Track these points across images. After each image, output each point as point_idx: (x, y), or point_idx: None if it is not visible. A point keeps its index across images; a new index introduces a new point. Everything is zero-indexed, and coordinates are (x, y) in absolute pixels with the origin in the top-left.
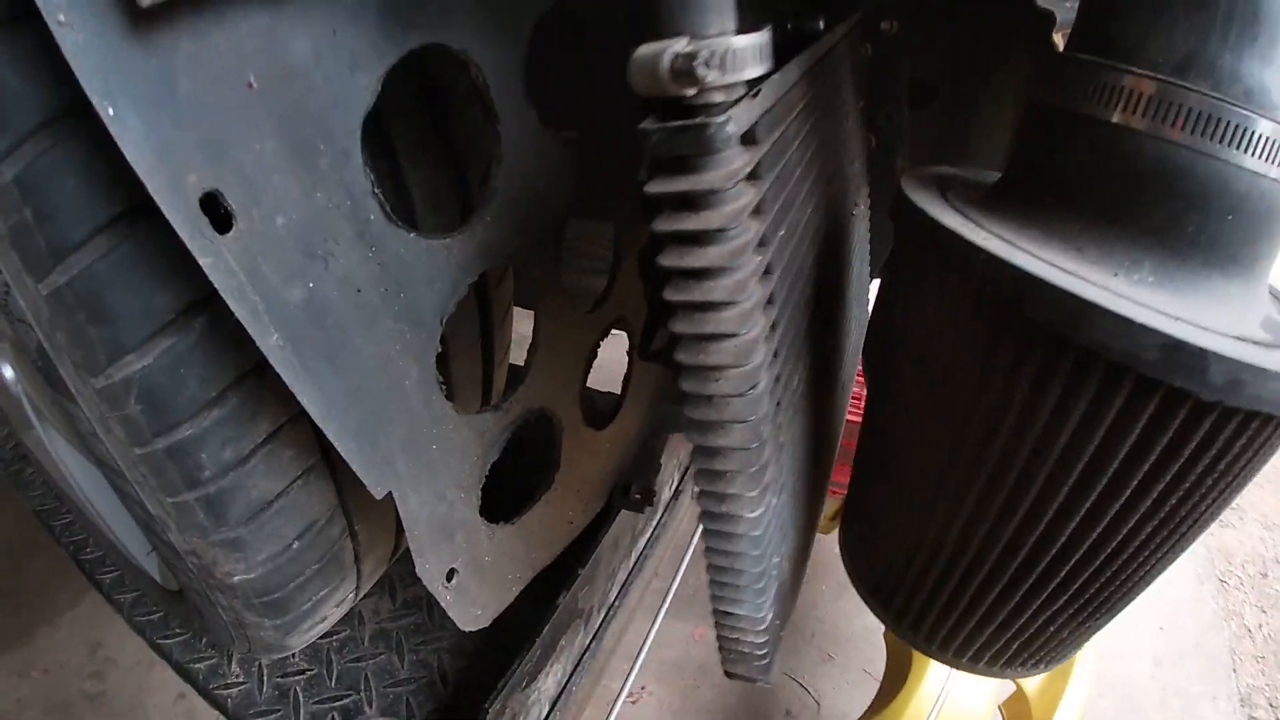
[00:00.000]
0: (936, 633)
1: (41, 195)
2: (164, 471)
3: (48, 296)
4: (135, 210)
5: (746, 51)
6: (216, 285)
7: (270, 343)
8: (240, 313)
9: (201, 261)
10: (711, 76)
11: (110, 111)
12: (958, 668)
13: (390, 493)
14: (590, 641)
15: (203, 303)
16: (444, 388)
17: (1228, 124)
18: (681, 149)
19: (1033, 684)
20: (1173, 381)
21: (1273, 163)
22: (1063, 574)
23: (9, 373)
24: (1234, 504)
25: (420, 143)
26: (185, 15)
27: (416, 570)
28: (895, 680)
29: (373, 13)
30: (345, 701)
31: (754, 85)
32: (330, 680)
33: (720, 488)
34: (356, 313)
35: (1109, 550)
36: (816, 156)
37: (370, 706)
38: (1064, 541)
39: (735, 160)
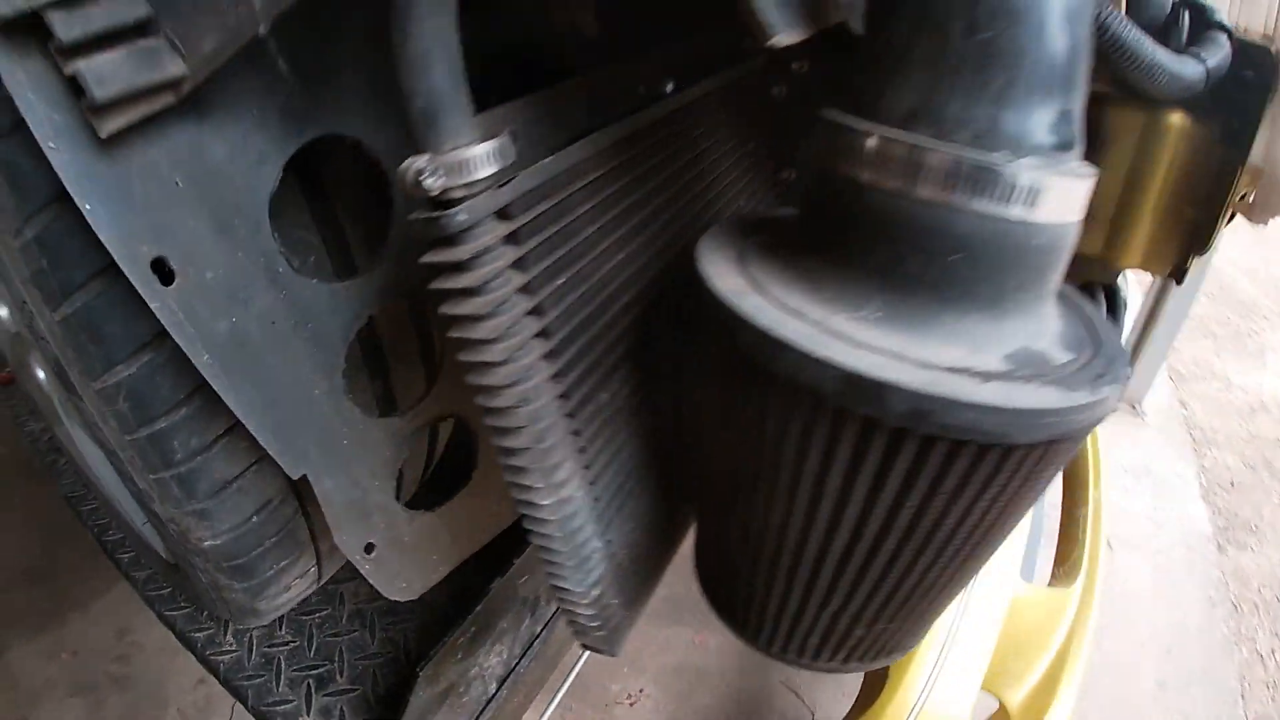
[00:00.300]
0: (770, 637)
1: (53, 250)
2: (146, 454)
3: (59, 321)
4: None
5: (478, 159)
6: (163, 322)
7: (202, 361)
8: (180, 340)
9: (151, 305)
10: (438, 185)
11: (86, 207)
12: (794, 665)
13: (311, 476)
14: (541, 630)
15: (160, 334)
16: (383, 389)
17: (946, 170)
18: (429, 234)
19: (1016, 701)
20: (856, 410)
21: (1004, 203)
22: (844, 583)
23: (42, 375)
24: (1252, 526)
25: (352, 196)
26: (133, 137)
27: (335, 540)
28: (871, 691)
29: (275, 116)
30: (320, 670)
31: (509, 174)
32: (310, 651)
33: (517, 479)
34: (271, 339)
35: (873, 563)
36: (640, 208)
37: (341, 676)
38: (837, 555)
39: (485, 235)
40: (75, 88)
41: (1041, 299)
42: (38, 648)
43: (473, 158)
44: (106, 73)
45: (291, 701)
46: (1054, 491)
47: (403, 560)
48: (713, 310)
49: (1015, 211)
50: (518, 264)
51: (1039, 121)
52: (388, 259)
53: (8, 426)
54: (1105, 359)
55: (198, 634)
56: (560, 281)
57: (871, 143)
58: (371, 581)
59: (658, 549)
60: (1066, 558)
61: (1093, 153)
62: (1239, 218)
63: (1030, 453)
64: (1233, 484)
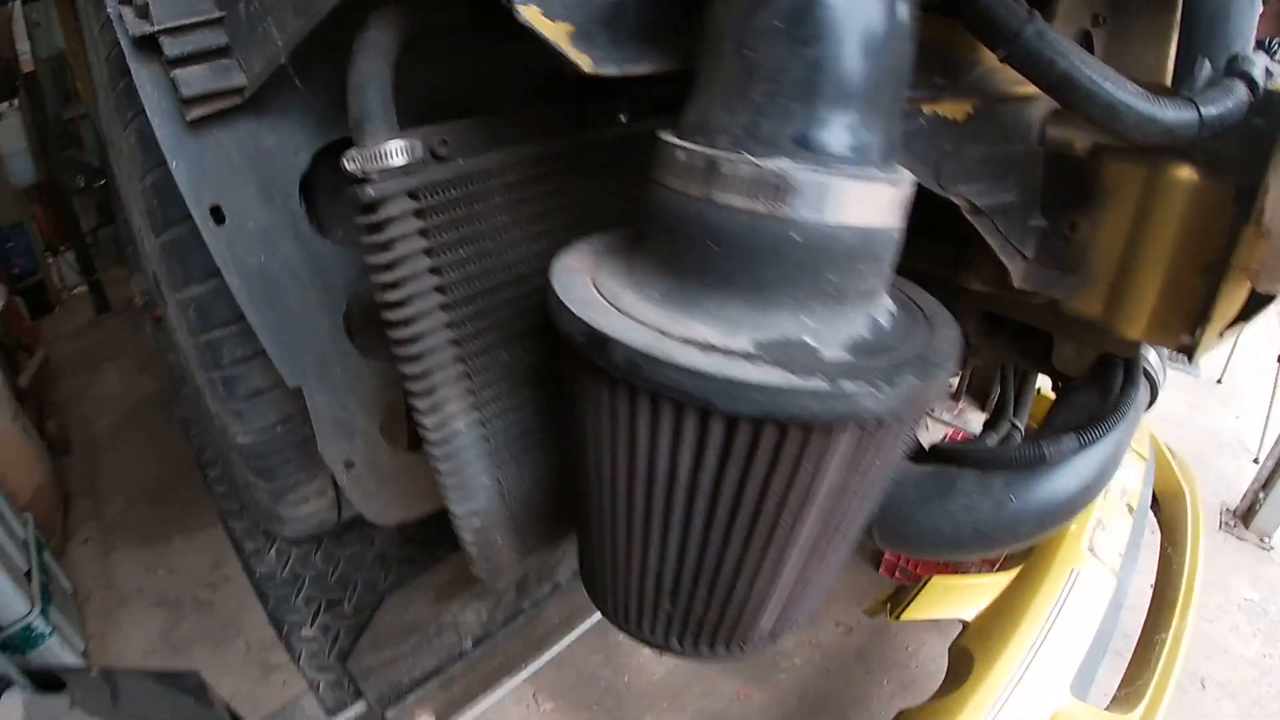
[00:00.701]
0: (639, 623)
1: (160, 194)
2: (204, 356)
3: (159, 245)
4: None
5: (389, 151)
6: (212, 252)
7: (235, 285)
8: (221, 267)
9: (206, 238)
10: (355, 168)
11: (173, 165)
12: (665, 650)
13: (303, 388)
14: (526, 604)
15: None
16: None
17: (708, 167)
18: (354, 200)
19: None
20: (592, 357)
21: (747, 195)
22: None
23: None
24: None
25: None
26: (209, 123)
27: (319, 450)
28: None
29: (310, 120)
30: (333, 597)
31: (426, 166)
32: (330, 579)
33: (411, 401)
34: (289, 278)
35: (652, 521)
36: (560, 213)
37: (349, 604)
38: (625, 506)
39: (393, 208)
40: (175, 86)
41: (825, 297)
42: (140, 559)
43: (384, 150)
44: (194, 79)
45: (301, 615)
46: (1136, 613)
47: (380, 485)
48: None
49: (761, 205)
50: (424, 233)
51: (801, 124)
52: None
53: (160, 363)
54: (887, 369)
55: (249, 544)
56: (463, 253)
57: (662, 148)
58: (349, 496)
59: (561, 511)
60: (1132, 682)
61: (1091, 206)
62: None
63: (762, 431)
64: None
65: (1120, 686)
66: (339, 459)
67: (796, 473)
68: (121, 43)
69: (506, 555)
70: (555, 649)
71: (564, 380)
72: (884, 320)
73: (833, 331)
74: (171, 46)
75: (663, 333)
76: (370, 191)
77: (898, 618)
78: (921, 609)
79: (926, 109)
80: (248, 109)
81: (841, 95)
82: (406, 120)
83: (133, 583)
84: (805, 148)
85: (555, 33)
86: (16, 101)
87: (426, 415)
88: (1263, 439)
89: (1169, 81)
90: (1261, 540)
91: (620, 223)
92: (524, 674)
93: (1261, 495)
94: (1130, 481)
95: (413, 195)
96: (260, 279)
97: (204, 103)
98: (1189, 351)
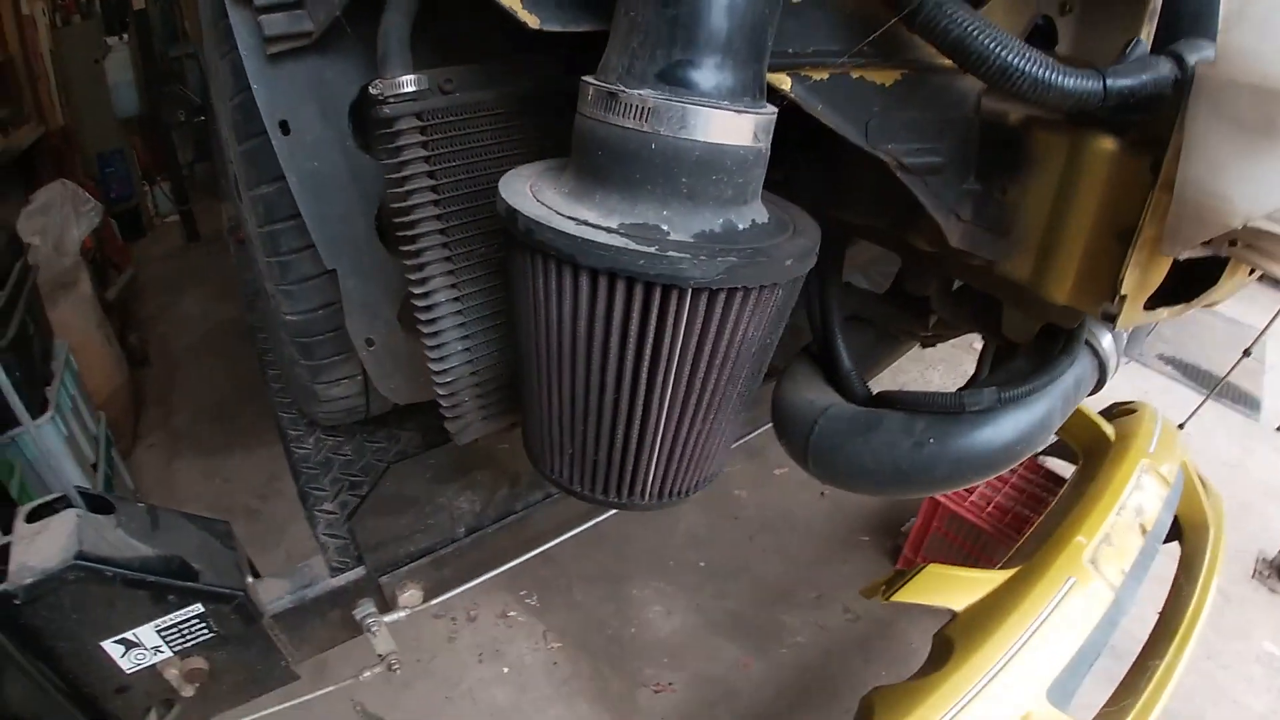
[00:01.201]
0: (551, 467)
1: (244, 112)
2: (266, 244)
3: (241, 153)
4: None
5: (402, 82)
6: (279, 157)
7: (292, 181)
8: (284, 169)
9: (274, 146)
10: (376, 91)
11: (255, 87)
12: (569, 492)
13: (337, 271)
14: (520, 508)
15: None
16: None
17: (599, 95)
18: (376, 114)
19: None
20: (509, 229)
21: (619, 115)
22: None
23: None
24: None
25: None
26: (284, 57)
27: (347, 325)
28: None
29: (360, 60)
30: (355, 479)
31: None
32: (357, 465)
33: (407, 275)
34: (335, 182)
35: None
36: (536, 140)
37: (366, 487)
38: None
39: (403, 125)
40: (260, 28)
41: (680, 196)
42: (200, 468)
43: (399, 81)
44: (275, 23)
45: (325, 492)
46: (1133, 633)
47: (394, 365)
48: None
49: (629, 123)
50: (424, 146)
51: (662, 65)
52: None
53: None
54: (716, 251)
55: (293, 431)
56: (454, 164)
57: (581, 86)
58: (368, 370)
59: (514, 389)
60: (1118, 702)
61: (1020, 173)
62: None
63: (615, 286)
64: None
65: (1105, 704)
66: (362, 335)
67: (645, 325)
68: None
69: (473, 414)
70: (541, 549)
71: (503, 257)
72: (741, 224)
73: (685, 223)
74: None
75: (556, 212)
76: (386, 110)
77: (888, 598)
78: (913, 593)
79: (855, 74)
80: (314, 49)
81: (693, 43)
82: (427, 61)
83: (190, 488)
84: (666, 83)
85: (511, 0)
86: (126, 36)
87: (417, 287)
88: None
89: None
90: None
91: None
92: (508, 565)
93: None
94: (1148, 502)
95: (418, 116)
96: (313, 179)
97: (280, 41)
98: (1112, 319)
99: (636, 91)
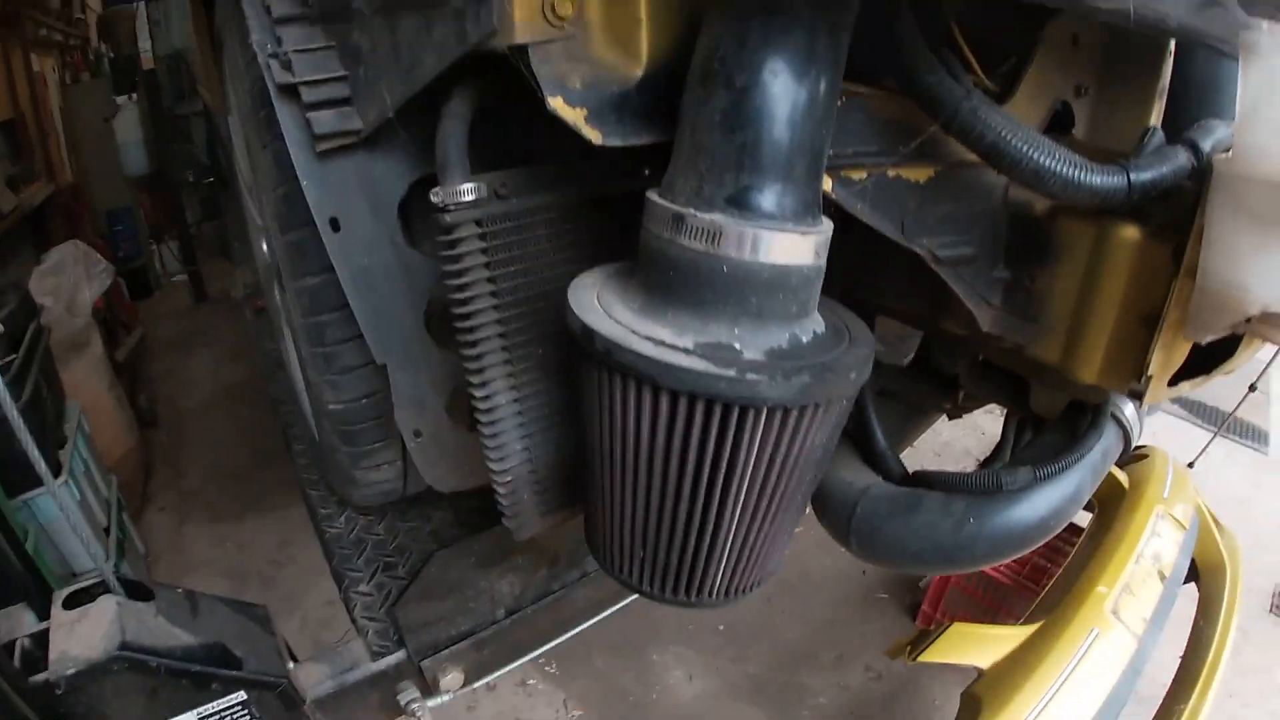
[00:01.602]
0: (621, 568)
1: (289, 202)
2: (311, 334)
3: (285, 243)
4: None
5: (463, 190)
6: (330, 254)
7: (344, 277)
8: (335, 266)
9: (325, 243)
10: (438, 200)
11: (305, 184)
12: (639, 592)
13: (387, 365)
14: (558, 588)
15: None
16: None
17: (669, 217)
18: (438, 224)
19: None
20: (584, 346)
21: (690, 238)
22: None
23: (277, 295)
24: None
25: None
26: (333, 154)
27: (395, 417)
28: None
29: (409, 157)
30: (390, 560)
31: (490, 202)
32: (390, 546)
33: (467, 376)
34: (385, 278)
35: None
36: (592, 244)
37: (403, 569)
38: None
39: (463, 232)
40: (309, 125)
41: (749, 314)
42: (212, 532)
43: (460, 189)
44: (325, 120)
45: (361, 573)
46: (1155, 677)
47: (441, 455)
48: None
49: (699, 245)
50: (484, 252)
51: (730, 189)
52: None
53: (254, 360)
54: (790, 369)
55: (323, 510)
56: (513, 269)
57: (647, 202)
58: (415, 460)
59: (574, 484)
60: None
61: (1047, 261)
62: None
63: (695, 406)
64: None
65: None
66: (410, 427)
67: (721, 442)
68: (268, 85)
69: (531, 511)
70: (579, 629)
71: (572, 366)
72: (805, 337)
73: (755, 340)
74: (309, 94)
75: (632, 331)
76: (447, 219)
77: (914, 659)
78: (939, 652)
79: (891, 173)
80: (362, 145)
81: (760, 168)
82: (481, 165)
83: (202, 552)
84: (735, 206)
85: (574, 116)
86: (135, 95)
87: (477, 389)
88: None
89: None
90: None
91: (632, 255)
92: (547, 646)
93: None
94: (1165, 549)
95: (478, 224)
96: (364, 276)
97: (330, 139)
98: (1139, 397)
99: (707, 216)
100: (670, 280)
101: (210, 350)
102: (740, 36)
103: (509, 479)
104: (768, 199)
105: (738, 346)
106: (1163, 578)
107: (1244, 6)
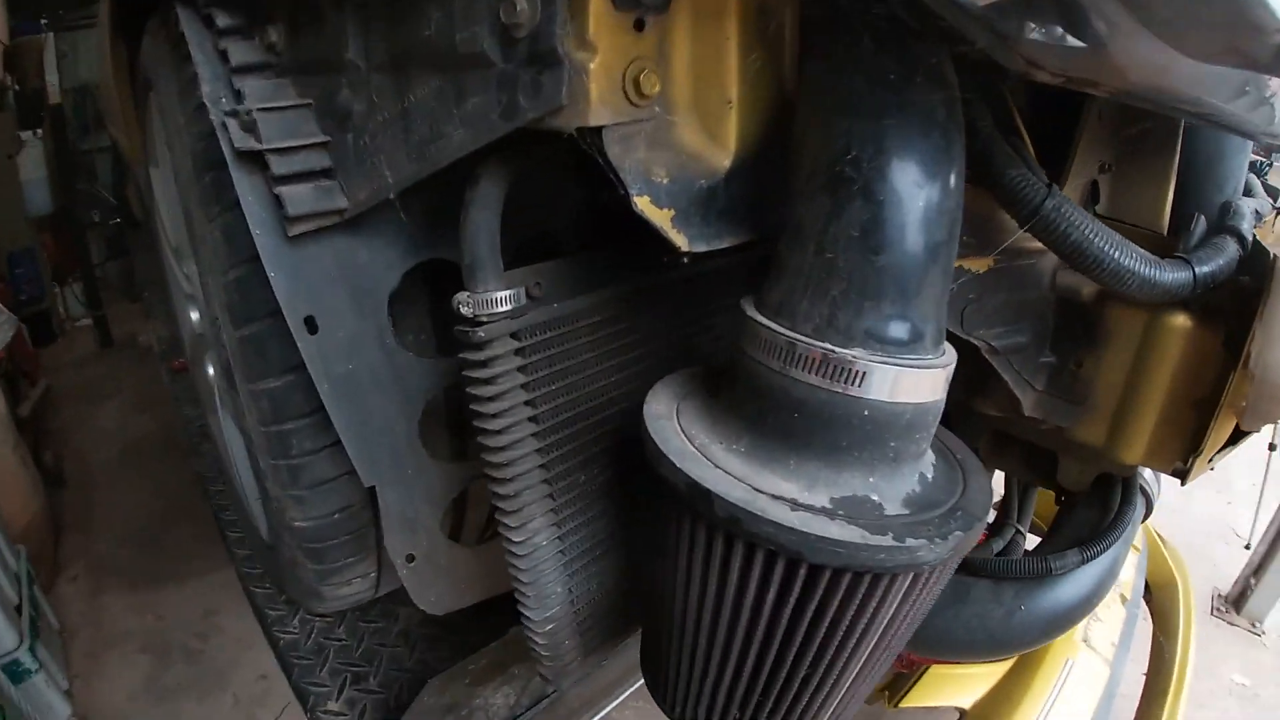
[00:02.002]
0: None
1: (244, 291)
2: (274, 445)
3: (238, 338)
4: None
5: (499, 299)
6: (305, 359)
7: (324, 390)
8: (312, 372)
9: (299, 346)
10: (469, 312)
11: (272, 274)
12: None
13: (376, 487)
14: (553, 692)
15: (302, 365)
16: (454, 442)
17: (797, 352)
18: (463, 340)
19: None
20: (695, 507)
21: (828, 378)
22: (717, 658)
23: (211, 371)
24: None
25: None
26: (309, 238)
27: (385, 542)
28: None
29: (401, 241)
30: (359, 670)
31: (527, 310)
32: (355, 652)
33: (501, 519)
34: (373, 385)
35: (734, 644)
36: (636, 346)
37: (374, 679)
38: (695, 625)
39: (499, 349)
40: (279, 201)
41: (887, 459)
42: (130, 602)
43: (494, 297)
44: (299, 198)
45: (327, 688)
46: (1129, 700)
47: (436, 577)
48: (641, 427)
49: (839, 388)
50: (521, 369)
51: (871, 320)
52: None
53: (166, 409)
54: (942, 522)
55: (272, 612)
56: (554, 387)
57: (749, 324)
58: (407, 587)
59: (618, 616)
60: None
61: (1096, 346)
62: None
63: (839, 578)
64: None
65: None
66: (402, 553)
67: (864, 610)
68: (225, 150)
69: (572, 655)
70: None
71: (656, 512)
72: (929, 473)
73: (892, 488)
74: (279, 165)
75: (755, 489)
76: (481, 334)
77: (896, 705)
78: (920, 696)
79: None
80: (344, 226)
81: (904, 295)
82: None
83: (120, 624)
84: (875, 339)
85: (661, 218)
86: (40, 131)
87: (514, 531)
88: (1254, 525)
89: (1165, 220)
90: (1253, 625)
91: (682, 357)
92: None
93: (1253, 581)
94: (1124, 573)
95: (514, 336)
96: (347, 384)
97: (307, 220)
98: (1182, 476)
99: (848, 353)
100: (795, 423)
101: (118, 400)
102: (877, 136)
103: (549, 626)
104: (912, 330)
105: (876, 499)
106: (1124, 600)
107: None
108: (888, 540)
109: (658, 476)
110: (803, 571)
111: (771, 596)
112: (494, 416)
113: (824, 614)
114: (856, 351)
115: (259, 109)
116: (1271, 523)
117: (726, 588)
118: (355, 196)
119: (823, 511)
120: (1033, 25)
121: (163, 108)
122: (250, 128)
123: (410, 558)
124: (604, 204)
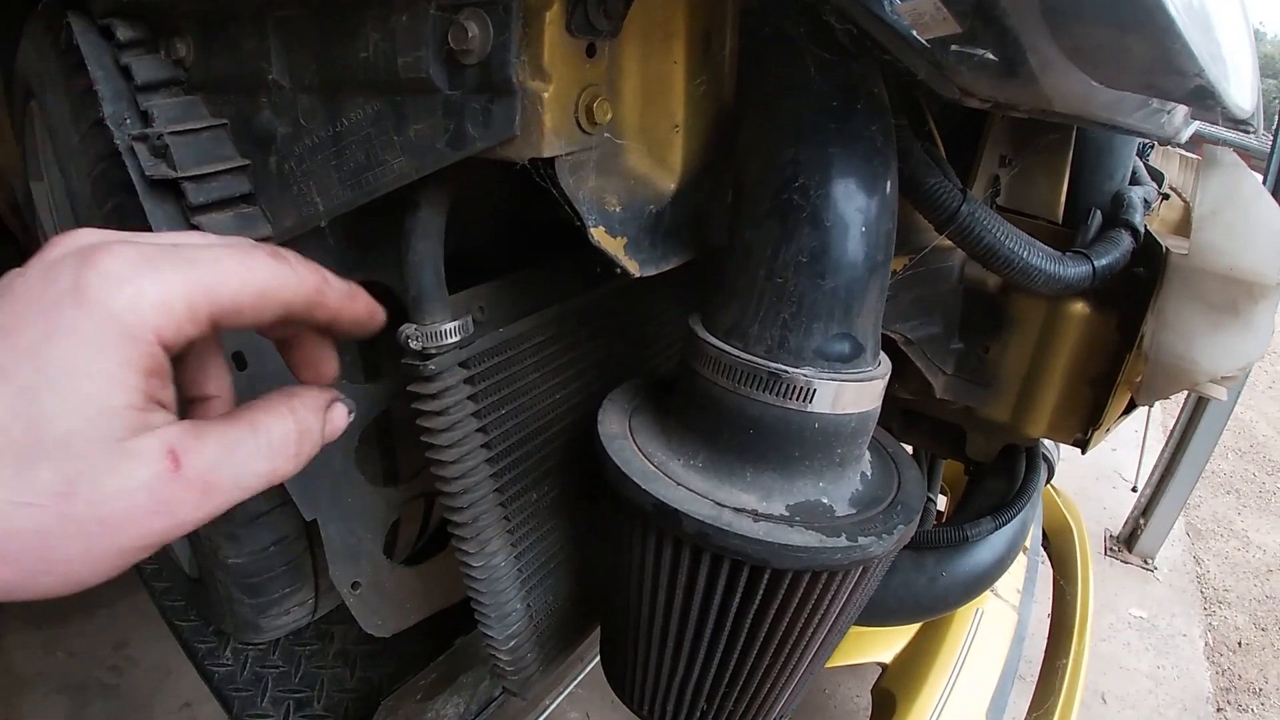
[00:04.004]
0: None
1: None
2: None
3: None
4: None
5: (447, 330)
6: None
7: None
8: None
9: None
10: (418, 345)
11: None
12: None
13: (316, 520)
14: (500, 694)
15: None
16: (388, 465)
17: (751, 373)
18: (411, 375)
19: None
20: (665, 528)
21: (780, 396)
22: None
23: None
24: (1256, 688)
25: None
26: None
27: (330, 573)
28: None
29: (330, 263)
30: (301, 695)
31: (474, 338)
32: (295, 677)
33: (458, 544)
34: None
35: (694, 651)
36: (579, 361)
37: (318, 703)
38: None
39: (448, 379)
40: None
41: (834, 465)
42: (35, 640)
43: (443, 329)
44: (219, 226)
45: (270, 717)
46: (1037, 641)
47: (382, 601)
48: (596, 447)
49: (792, 404)
50: (472, 398)
51: (819, 340)
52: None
53: None
54: (886, 518)
55: (201, 645)
56: (504, 411)
57: (700, 345)
58: (354, 614)
59: (573, 622)
60: (1040, 705)
61: (1001, 332)
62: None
63: (799, 579)
64: (1240, 644)
65: (1029, 711)
66: (347, 582)
67: (820, 604)
68: (134, 177)
69: (534, 667)
70: None
71: (615, 527)
72: (868, 471)
73: (840, 491)
74: (196, 193)
75: (718, 503)
76: (432, 367)
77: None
78: (841, 656)
79: None
80: None
81: (849, 314)
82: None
83: (30, 666)
84: (823, 357)
85: (615, 247)
86: None
87: (473, 556)
88: (1139, 469)
89: (1061, 210)
90: (1145, 562)
91: (623, 366)
92: None
93: (1142, 521)
94: None
95: (463, 365)
96: None
97: None
98: (1083, 446)
99: (800, 372)
100: (749, 439)
101: None
102: (823, 164)
103: (512, 643)
104: (854, 346)
105: (827, 501)
106: (1025, 550)
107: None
108: (842, 541)
109: (619, 495)
110: (766, 576)
111: (737, 600)
112: (448, 447)
113: (785, 611)
114: (807, 370)
115: (170, 132)
116: (1155, 465)
117: (693, 595)
118: (281, 224)
119: (781, 519)
120: (973, 59)
121: (50, 122)
122: (162, 153)
123: (355, 585)
124: (531, 220)
